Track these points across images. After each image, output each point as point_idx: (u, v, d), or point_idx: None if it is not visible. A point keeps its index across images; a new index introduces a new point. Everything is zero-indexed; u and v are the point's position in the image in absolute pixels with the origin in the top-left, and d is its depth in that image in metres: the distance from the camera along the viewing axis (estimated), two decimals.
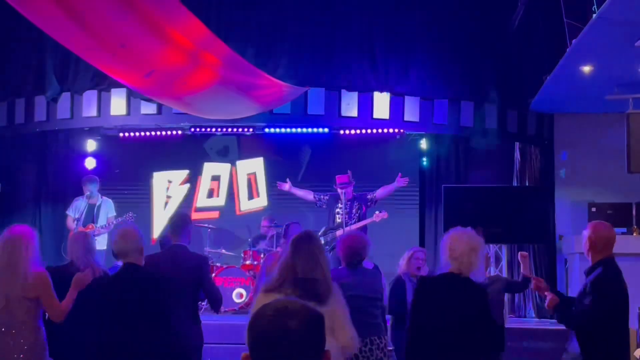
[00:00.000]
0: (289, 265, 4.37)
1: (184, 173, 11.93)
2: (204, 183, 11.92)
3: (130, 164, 11.98)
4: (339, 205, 9.71)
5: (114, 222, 10.05)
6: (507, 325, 9.27)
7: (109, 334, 4.98)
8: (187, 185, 11.90)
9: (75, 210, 10.14)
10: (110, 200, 10.36)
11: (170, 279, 5.23)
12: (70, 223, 10.10)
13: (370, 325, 5.43)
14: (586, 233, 5.03)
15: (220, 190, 11.95)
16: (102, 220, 10.10)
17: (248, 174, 11.91)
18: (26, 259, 5.13)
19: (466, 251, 4.63)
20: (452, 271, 4.64)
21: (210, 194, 11.95)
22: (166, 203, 11.85)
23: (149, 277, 5.06)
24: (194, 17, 6.50)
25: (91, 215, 10.09)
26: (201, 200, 11.88)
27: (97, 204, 10.15)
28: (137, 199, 11.76)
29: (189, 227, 5.97)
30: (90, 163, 11.93)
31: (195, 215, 11.41)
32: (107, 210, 10.24)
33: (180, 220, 5.97)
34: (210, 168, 11.94)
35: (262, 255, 10.06)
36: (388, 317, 6.51)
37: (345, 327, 4.28)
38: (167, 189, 11.91)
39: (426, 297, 4.75)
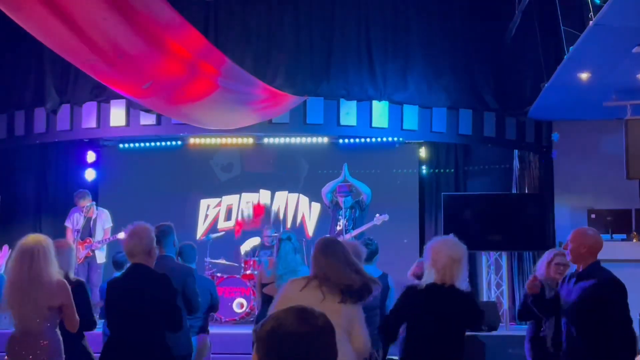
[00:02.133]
0: (321, 265, 4.41)
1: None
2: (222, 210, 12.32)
3: (130, 174, 12.01)
4: (340, 212, 9.80)
5: (110, 235, 10.07)
6: (509, 333, 9.33)
7: (118, 333, 5.04)
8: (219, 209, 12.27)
9: (74, 222, 10.15)
10: (106, 211, 10.37)
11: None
12: (70, 235, 10.09)
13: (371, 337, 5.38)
14: (571, 239, 5.04)
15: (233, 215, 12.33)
16: (99, 234, 10.11)
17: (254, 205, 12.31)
18: (48, 267, 5.15)
19: (448, 263, 4.68)
20: (436, 282, 4.70)
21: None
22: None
23: (157, 277, 5.05)
24: (192, 27, 6.53)
25: (88, 228, 10.10)
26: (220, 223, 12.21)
27: (93, 217, 10.15)
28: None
29: (173, 237, 6.00)
30: (90, 174, 11.96)
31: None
32: (104, 222, 10.24)
33: (164, 232, 5.95)
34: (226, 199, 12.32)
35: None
36: None
37: (361, 332, 4.36)
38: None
39: (414, 308, 4.78)
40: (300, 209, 12.12)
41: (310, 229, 12.01)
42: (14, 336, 5.18)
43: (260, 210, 12.11)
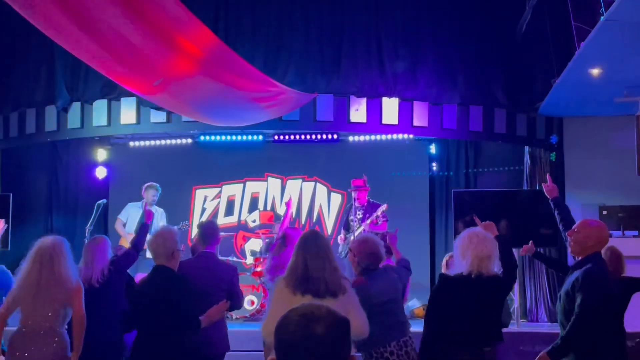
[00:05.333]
0: (298, 262, 4.48)
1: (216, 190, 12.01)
2: (222, 202, 12.00)
3: (141, 172, 12.02)
4: (352, 210, 9.76)
5: None
6: (520, 330, 9.30)
7: (137, 334, 5.15)
8: (219, 200, 11.98)
9: (126, 215, 10.18)
10: (162, 210, 10.28)
11: (198, 284, 5.38)
12: (119, 226, 10.18)
13: (398, 325, 5.39)
14: (580, 230, 5.09)
15: (235, 209, 12.03)
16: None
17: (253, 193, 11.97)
18: (67, 267, 5.31)
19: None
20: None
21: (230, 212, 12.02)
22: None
23: (176, 278, 5.12)
24: (203, 25, 6.54)
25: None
26: (220, 218, 11.96)
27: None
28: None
29: (217, 235, 6.17)
30: (100, 172, 11.99)
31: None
32: (158, 220, 10.20)
33: (209, 229, 6.11)
34: (226, 189, 12.00)
35: None
36: None
37: (357, 314, 4.41)
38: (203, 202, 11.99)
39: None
40: (317, 200, 11.69)
41: (329, 225, 11.69)
42: (21, 333, 5.25)
43: (269, 218, 11.42)
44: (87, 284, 5.78)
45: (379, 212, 9.36)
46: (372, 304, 4.95)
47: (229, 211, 11.97)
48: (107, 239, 6.30)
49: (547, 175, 6.21)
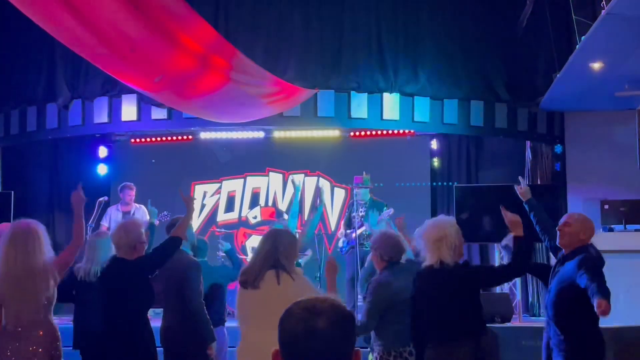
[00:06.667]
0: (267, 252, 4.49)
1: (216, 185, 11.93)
2: (222, 198, 11.92)
3: (142, 169, 12.00)
4: (354, 206, 9.73)
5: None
6: (522, 325, 9.31)
7: (96, 324, 5.21)
8: (219, 196, 11.90)
9: (109, 219, 10.13)
10: (143, 207, 10.12)
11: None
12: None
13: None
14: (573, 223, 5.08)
15: (235, 205, 11.94)
16: None
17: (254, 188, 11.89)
18: (42, 255, 5.03)
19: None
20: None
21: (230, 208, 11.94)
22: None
23: (132, 268, 5.16)
24: (203, 20, 6.53)
25: None
26: (220, 215, 11.91)
27: (132, 211, 10.09)
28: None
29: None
30: (102, 169, 11.99)
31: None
32: (141, 218, 10.18)
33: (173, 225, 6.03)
34: (226, 184, 11.91)
35: None
36: None
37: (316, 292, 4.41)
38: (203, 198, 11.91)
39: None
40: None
41: (332, 220, 11.58)
42: (6, 331, 4.97)
43: (271, 214, 11.31)
44: (86, 278, 5.80)
45: (384, 216, 9.36)
46: (394, 302, 4.92)
47: (229, 207, 11.88)
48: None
49: (520, 178, 6.11)
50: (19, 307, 4.94)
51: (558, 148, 10.90)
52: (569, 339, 4.89)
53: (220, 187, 11.90)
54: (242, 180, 11.91)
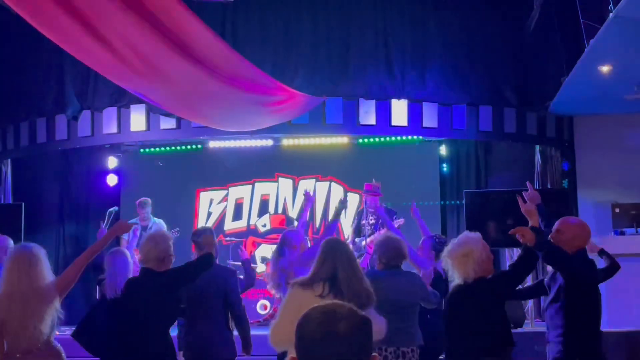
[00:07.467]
0: (325, 262, 4.39)
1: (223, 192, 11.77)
2: (229, 206, 11.75)
3: (152, 179, 12.01)
4: (364, 214, 9.69)
5: None
6: (534, 330, 9.26)
7: (122, 334, 5.19)
8: (226, 203, 11.73)
9: (130, 235, 10.09)
10: (161, 221, 10.05)
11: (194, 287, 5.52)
12: (124, 245, 10.07)
13: (402, 333, 5.23)
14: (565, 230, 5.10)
15: (243, 213, 11.78)
16: None
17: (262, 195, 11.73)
18: (43, 274, 4.94)
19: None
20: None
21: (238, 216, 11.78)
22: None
23: (162, 280, 5.14)
24: (210, 30, 6.53)
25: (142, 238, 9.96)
26: (227, 223, 11.79)
27: (149, 225, 10.00)
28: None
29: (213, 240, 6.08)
30: (111, 180, 12.02)
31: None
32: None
33: (198, 236, 6.02)
34: (233, 191, 11.75)
35: None
36: None
37: (376, 320, 4.28)
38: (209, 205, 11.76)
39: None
40: (332, 201, 11.31)
41: (345, 227, 11.25)
42: (8, 357, 4.80)
43: (280, 222, 11.32)
44: (113, 293, 5.74)
45: (395, 224, 9.33)
46: (380, 298, 4.77)
47: (237, 215, 11.69)
48: (126, 251, 6.35)
49: (527, 183, 6.05)
50: (21, 332, 4.82)
51: (565, 165, 10.87)
52: (566, 335, 4.91)
53: (227, 194, 11.72)
54: (250, 186, 11.74)
